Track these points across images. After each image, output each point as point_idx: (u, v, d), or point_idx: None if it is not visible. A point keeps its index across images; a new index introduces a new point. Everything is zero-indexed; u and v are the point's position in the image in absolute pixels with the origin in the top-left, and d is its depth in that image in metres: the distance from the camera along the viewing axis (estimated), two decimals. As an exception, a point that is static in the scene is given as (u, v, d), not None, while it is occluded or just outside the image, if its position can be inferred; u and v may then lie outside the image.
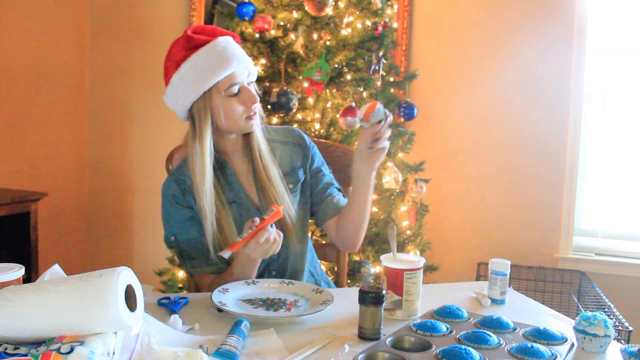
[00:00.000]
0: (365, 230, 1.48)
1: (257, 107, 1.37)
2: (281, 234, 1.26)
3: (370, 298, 1.06)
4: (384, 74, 2.48)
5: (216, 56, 1.30)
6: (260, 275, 1.44)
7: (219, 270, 1.39)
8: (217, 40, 1.32)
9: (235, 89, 1.32)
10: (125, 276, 0.87)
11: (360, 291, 1.08)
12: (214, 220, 1.34)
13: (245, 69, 1.34)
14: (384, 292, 1.08)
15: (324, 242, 1.63)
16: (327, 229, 1.51)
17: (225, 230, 1.36)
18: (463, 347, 0.95)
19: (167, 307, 1.20)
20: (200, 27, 1.37)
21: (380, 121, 1.29)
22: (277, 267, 1.46)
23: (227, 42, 1.33)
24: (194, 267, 1.40)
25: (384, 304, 1.08)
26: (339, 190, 1.53)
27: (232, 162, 1.44)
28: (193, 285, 1.58)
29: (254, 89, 1.36)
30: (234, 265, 1.35)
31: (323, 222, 1.49)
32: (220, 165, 1.42)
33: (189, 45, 1.31)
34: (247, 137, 1.42)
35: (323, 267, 1.70)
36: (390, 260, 1.20)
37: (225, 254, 1.21)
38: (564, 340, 1.05)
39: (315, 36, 2.38)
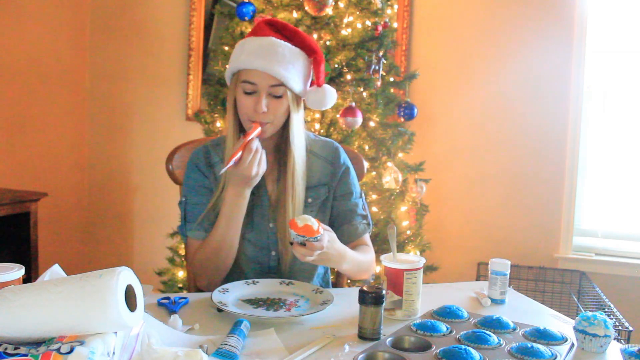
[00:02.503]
0: (369, 272, 1.49)
1: (271, 118, 1.34)
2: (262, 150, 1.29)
3: (370, 298, 1.06)
4: (384, 74, 2.48)
5: (254, 49, 1.32)
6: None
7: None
8: (271, 39, 1.34)
9: (247, 87, 1.32)
10: (125, 276, 0.87)
11: (360, 291, 1.08)
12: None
13: (272, 79, 1.30)
14: (384, 292, 1.08)
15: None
16: None
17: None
18: (463, 347, 0.95)
19: (167, 307, 1.20)
20: (283, 23, 1.39)
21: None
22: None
23: (277, 47, 1.32)
24: (191, 230, 1.42)
25: (384, 304, 1.08)
26: (364, 217, 1.50)
27: None
28: (193, 285, 1.58)
29: (274, 102, 1.33)
30: (222, 209, 1.35)
31: None
32: None
33: (255, 30, 1.38)
34: (284, 139, 1.40)
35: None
36: (390, 260, 1.20)
37: (222, 170, 1.26)
38: (564, 340, 1.05)
39: (315, 36, 2.38)
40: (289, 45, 1.35)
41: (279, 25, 1.38)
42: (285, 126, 1.39)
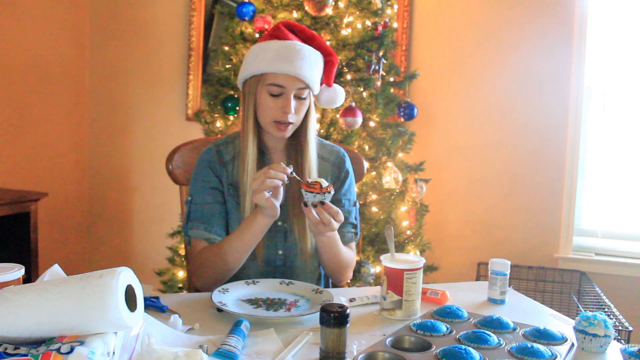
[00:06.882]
0: (347, 273, 1.50)
1: (295, 118, 1.37)
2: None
3: (332, 318, 0.93)
4: (384, 74, 2.48)
5: (280, 52, 1.34)
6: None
7: (212, 240, 1.41)
8: (295, 43, 1.36)
9: (274, 90, 1.34)
10: (125, 276, 0.87)
11: (322, 310, 0.95)
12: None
13: (300, 82, 1.34)
14: (348, 311, 0.95)
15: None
16: None
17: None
18: (463, 347, 0.95)
19: (156, 307, 1.19)
20: (301, 27, 1.42)
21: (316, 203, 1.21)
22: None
23: (303, 51, 1.35)
24: (193, 228, 1.41)
25: (348, 325, 0.95)
26: (354, 226, 1.51)
27: (271, 157, 1.46)
28: (193, 285, 1.58)
29: (299, 103, 1.37)
30: (244, 233, 1.32)
31: None
32: (261, 155, 1.44)
33: (275, 32, 1.39)
34: (297, 135, 1.43)
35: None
36: (389, 261, 1.20)
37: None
38: (564, 340, 1.05)
39: (315, 36, 2.38)
40: (311, 47, 1.38)
41: (296, 29, 1.42)
42: (301, 124, 1.42)
